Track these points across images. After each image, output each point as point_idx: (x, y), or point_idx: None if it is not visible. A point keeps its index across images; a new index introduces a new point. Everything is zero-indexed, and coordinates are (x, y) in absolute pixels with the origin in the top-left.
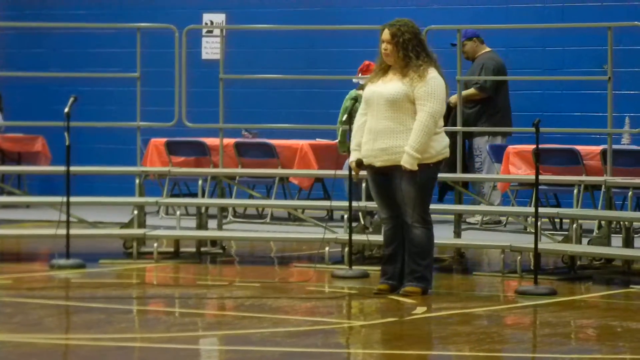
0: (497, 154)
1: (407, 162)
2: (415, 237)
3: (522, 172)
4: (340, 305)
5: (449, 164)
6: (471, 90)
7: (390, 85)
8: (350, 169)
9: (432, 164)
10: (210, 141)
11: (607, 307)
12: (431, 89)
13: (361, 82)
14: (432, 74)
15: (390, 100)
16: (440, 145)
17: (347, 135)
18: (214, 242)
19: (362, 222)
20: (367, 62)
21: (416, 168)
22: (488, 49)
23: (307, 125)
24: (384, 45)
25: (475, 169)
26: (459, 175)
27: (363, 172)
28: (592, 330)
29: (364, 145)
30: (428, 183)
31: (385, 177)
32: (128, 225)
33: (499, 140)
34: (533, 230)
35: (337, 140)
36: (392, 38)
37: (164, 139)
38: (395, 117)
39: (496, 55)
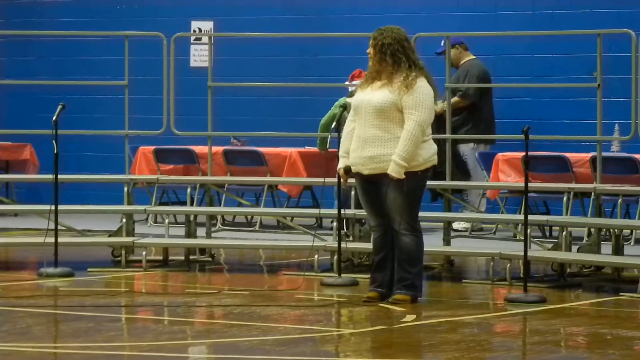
0: (486, 161)
1: (394, 170)
2: (404, 244)
3: (512, 179)
4: (330, 313)
5: (438, 173)
6: (455, 99)
7: (378, 94)
8: (339, 176)
9: (419, 172)
10: (198, 149)
11: (596, 315)
12: (419, 98)
13: (351, 89)
14: (420, 82)
15: (378, 108)
16: (428, 153)
17: (327, 141)
18: (202, 250)
19: (344, 229)
20: (359, 69)
21: (403, 176)
22: (472, 57)
23: (296, 133)
24: (368, 50)
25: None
26: (448, 183)
27: (351, 180)
28: (582, 337)
29: (352, 153)
30: (416, 191)
31: (373, 184)
32: (116, 233)
33: (482, 148)
34: (522, 238)
35: (318, 147)
36: (373, 41)
37: (153, 147)
38: (383, 126)
39: (480, 63)
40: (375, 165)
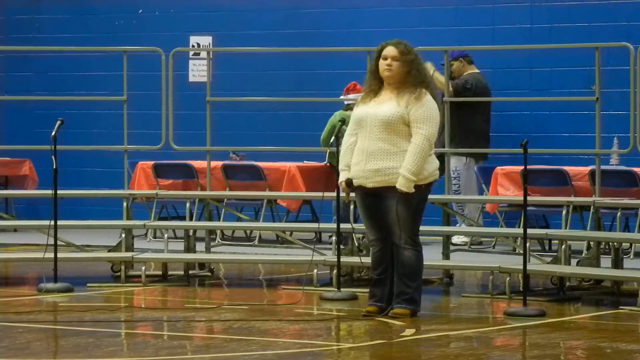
0: (485, 175)
1: (404, 185)
2: (405, 258)
3: (511, 193)
4: (329, 328)
5: None
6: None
7: (384, 107)
8: (338, 191)
9: (423, 186)
10: (197, 164)
11: (596, 328)
12: (427, 112)
13: (347, 102)
14: (428, 97)
15: (385, 121)
16: (432, 167)
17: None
18: (202, 265)
19: (357, 244)
20: (354, 83)
21: (412, 190)
22: (475, 70)
23: (294, 147)
24: (387, 62)
25: (453, 191)
26: (448, 197)
27: (352, 194)
28: (582, 351)
29: (354, 167)
30: (419, 204)
31: (375, 198)
32: (116, 248)
33: (473, 163)
34: (522, 252)
35: (326, 161)
36: (400, 55)
37: (152, 162)
38: (389, 139)
39: (478, 76)
40: (381, 178)
